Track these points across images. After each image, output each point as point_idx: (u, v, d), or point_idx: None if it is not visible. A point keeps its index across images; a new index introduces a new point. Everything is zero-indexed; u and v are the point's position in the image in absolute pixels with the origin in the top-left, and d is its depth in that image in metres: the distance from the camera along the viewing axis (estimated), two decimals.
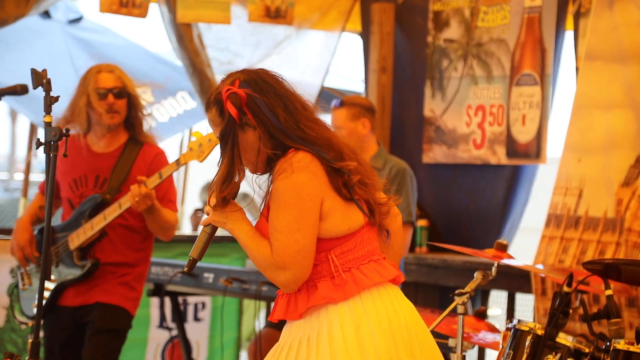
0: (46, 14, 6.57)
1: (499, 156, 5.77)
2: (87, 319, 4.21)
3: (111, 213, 4.12)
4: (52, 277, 4.25)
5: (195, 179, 8.93)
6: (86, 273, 4.17)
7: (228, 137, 2.81)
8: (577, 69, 5.24)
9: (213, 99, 2.88)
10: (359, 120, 4.72)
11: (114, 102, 4.20)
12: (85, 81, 4.24)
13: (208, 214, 2.86)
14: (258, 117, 2.79)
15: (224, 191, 2.79)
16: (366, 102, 4.90)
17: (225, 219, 2.82)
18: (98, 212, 4.15)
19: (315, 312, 2.77)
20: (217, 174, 2.82)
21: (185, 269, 2.87)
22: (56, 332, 4.28)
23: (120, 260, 4.22)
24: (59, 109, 4.22)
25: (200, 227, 2.90)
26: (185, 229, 8.63)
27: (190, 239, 6.36)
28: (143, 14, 5.71)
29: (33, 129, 7.25)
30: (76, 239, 4.18)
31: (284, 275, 2.72)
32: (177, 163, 4.02)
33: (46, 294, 4.24)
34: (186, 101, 7.07)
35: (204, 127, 7.79)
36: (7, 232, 6.01)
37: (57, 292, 4.24)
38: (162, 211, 4.16)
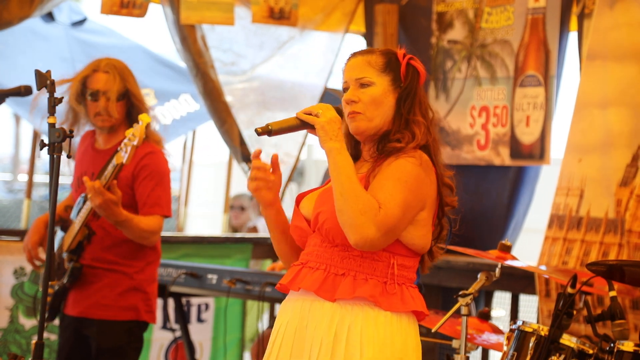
0: (50, 16, 6.58)
1: (503, 157, 5.76)
2: (88, 332, 4.13)
3: (84, 212, 4.00)
4: (55, 279, 4.19)
5: (199, 180, 8.93)
6: (70, 277, 4.08)
7: (414, 97, 2.82)
8: (580, 70, 5.24)
9: (382, 50, 2.84)
10: None
11: (106, 106, 4.05)
12: (81, 76, 4.11)
13: (317, 116, 2.72)
14: (420, 91, 2.84)
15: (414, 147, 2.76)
16: None
17: (336, 137, 2.70)
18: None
19: (349, 302, 2.71)
20: (416, 127, 2.80)
21: (259, 129, 2.72)
22: (63, 341, 4.23)
23: (113, 259, 4.08)
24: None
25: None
26: (189, 230, 8.63)
27: (195, 240, 6.36)
28: (142, 14, 5.70)
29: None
30: (67, 242, 4.12)
31: (373, 232, 2.62)
32: (113, 166, 3.84)
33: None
34: (189, 104, 7.08)
35: (207, 130, 7.80)
36: (10, 233, 6.02)
37: (58, 296, 4.18)
38: (135, 221, 3.97)
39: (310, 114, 2.73)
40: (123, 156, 3.78)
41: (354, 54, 2.87)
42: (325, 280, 2.71)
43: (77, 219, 4.05)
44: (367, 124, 2.79)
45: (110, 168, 3.86)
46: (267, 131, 2.73)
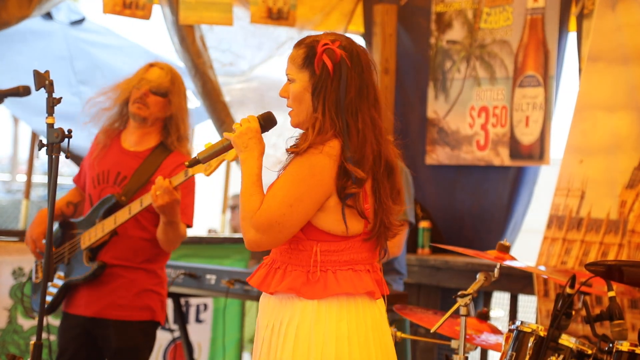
0: (48, 16, 6.57)
1: (502, 157, 5.76)
2: (102, 333, 4.12)
3: (121, 217, 4.02)
4: (61, 273, 4.19)
5: (197, 180, 8.93)
6: (91, 275, 4.09)
7: (321, 90, 2.78)
8: (580, 71, 5.24)
9: (308, 42, 2.83)
10: None
11: (147, 95, 4.09)
12: (136, 73, 4.16)
13: (234, 131, 2.85)
14: (332, 81, 2.77)
15: (315, 140, 2.74)
16: None
17: (245, 147, 2.82)
18: (111, 213, 4.05)
19: (285, 297, 2.80)
20: (310, 125, 2.77)
21: (186, 163, 2.92)
22: (66, 341, 4.23)
23: (132, 259, 4.09)
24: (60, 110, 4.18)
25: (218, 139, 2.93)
26: (190, 230, 8.61)
27: (193, 241, 6.35)
28: (147, 16, 5.71)
29: None
30: (87, 239, 4.09)
31: (252, 234, 2.74)
32: (185, 174, 3.91)
33: (54, 290, 4.20)
34: (189, 100, 7.06)
35: (207, 128, 7.79)
36: (9, 233, 6.01)
37: (65, 291, 4.18)
38: (180, 225, 4.06)
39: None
40: (206, 168, 3.83)
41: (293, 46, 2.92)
42: (267, 275, 2.84)
43: (108, 222, 4.05)
44: (296, 120, 2.86)
45: (182, 175, 3.93)
46: (196, 161, 2.89)
